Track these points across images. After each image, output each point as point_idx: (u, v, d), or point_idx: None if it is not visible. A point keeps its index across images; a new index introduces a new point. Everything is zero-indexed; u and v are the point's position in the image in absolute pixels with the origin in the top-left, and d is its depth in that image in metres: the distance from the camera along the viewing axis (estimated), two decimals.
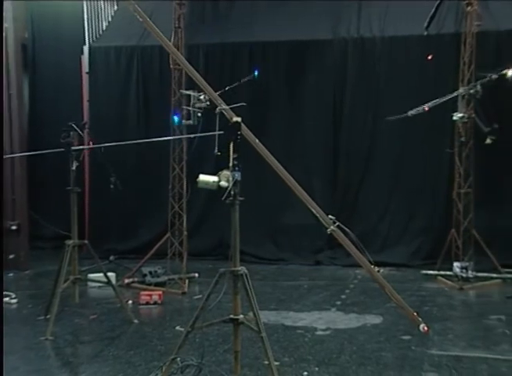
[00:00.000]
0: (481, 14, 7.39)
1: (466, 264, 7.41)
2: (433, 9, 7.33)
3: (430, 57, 7.18)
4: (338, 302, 6.72)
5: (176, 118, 7.12)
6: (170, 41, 6.95)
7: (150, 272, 7.39)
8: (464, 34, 7.46)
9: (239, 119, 3.96)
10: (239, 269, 3.98)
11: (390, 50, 8.44)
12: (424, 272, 7.87)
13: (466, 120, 7.22)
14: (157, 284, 7.28)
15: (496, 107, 7.43)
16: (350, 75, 8.67)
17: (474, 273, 7.39)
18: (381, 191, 8.70)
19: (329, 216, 4.38)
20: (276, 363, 4.23)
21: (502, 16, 7.99)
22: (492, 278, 7.44)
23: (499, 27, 8.01)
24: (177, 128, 7.41)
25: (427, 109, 6.82)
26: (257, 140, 4.19)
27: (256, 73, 5.07)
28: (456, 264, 7.44)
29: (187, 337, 4.10)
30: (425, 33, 7.32)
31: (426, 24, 7.34)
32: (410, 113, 6.96)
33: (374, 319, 6.03)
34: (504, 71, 6.76)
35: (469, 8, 7.31)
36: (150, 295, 6.69)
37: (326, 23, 8.79)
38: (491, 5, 7.99)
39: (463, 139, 7.36)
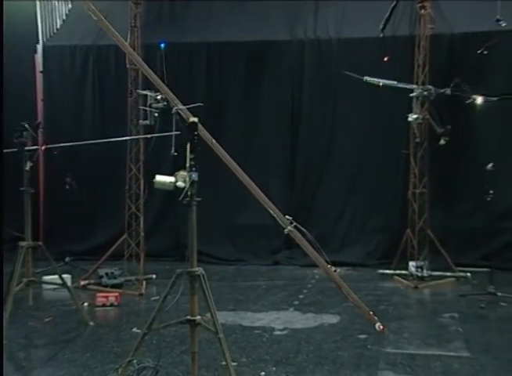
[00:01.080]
0: (434, 17, 7.52)
1: (422, 263, 7.53)
2: (388, 12, 7.42)
3: (386, 59, 7.26)
4: (296, 302, 6.75)
5: (163, 45, 6.84)
6: (126, 40, 6.88)
7: (107, 274, 7.31)
8: (418, 37, 7.58)
9: (195, 119, 3.94)
10: (197, 269, 3.96)
11: (346, 51, 8.52)
12: (381, 271, 7.97)
13: (420, 121, 7.34)
14: (114, 286, 7.19)
15: (449, 109, 7.56)
16: (307, 76, 8.72)
17: (429, 272, 7.52)
18: (339, 191, 8.78)
19: (287, 216, 4.40)
20: (234, 364, 4.22)
21: (455, 19, 8.14)
22: (446, 277, 7.57)
23: (452, 30, 8.17)
24: (134, 128, 7.35)
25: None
26: (213, 140, 4.18)
27: (162, 45, 4.95)
28: (411, 263, 7.56)
29: (144, 338, 4.07)
30: (381, 35, 7.40)
31: (381, 26, 7.42)
32: (366, 78, 7.02)
33: (331, 319, 6.08)
34: (473, 99, 6.90)
35: (422, 11, 7.44)
36: (107, 297, 6.61)
37: (283, 24, 8.82)
38: (444, 8, 8.15)
39: (417, 139, 7.48)
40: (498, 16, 6.97)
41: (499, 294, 6.58)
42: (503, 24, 6.96)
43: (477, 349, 5.12)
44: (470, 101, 6.87)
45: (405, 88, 7.16)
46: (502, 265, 7.78)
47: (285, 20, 8.82)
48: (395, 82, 7.10)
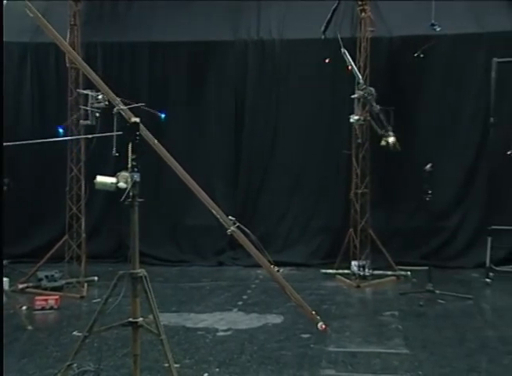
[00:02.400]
0: (374, 21, 7.65)
1: (364, 262, 7.65)
2: (329, 14, 7.51)
3: (327, 60, 7.35)
4: (240, 303, 6.76)
5: (61, 130, 6.83)
6: (65, 39, 6.76)
7: (46, 277, 7.15)
8: (359, 39, 7.70)
9: (137, 119, 3.90)
10: (139, 271, 3.91)
11: (289, 52, 8.57)
12: (324, 271, 8.06)
13: (362, 122, 7.45)
14: (54, 289, 7.05)
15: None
16: (250, 77, 8.73)
17: (371, 271, 7.64)
18: (282, 191, 8.82)
19: (230, 217, 4.39)
20: (176, 366, 4.19)
21: (394, 22, 8.30)
22: (387, 276, 7.71)
23: (391, 33, 8.33)
24: (75, 128, 7.23)
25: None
26: (156, 141, 4.14)
27: (163, 115, 5.01)
28: (353, 263, 7.67)
29: (84, 342, 3.98)
30: (322, 37, 7.48)
31: (323, 28, 7.50)
32: (344, 51, 7.13)
33: (275, 319, 6.12)
34: (386, 139, 7.07)
35: (363, 14, 7.56)
36: (46, 300, 6.47)
37: (226, 24, 8.80)
38: (383, 12, 8.30)
39: (359, 140, 7.59)
40: (433, 21, 7.15)
41: (437, 291, 6.75)
42: (438, 29, 7.15)
43: (416, 346, 5.24)
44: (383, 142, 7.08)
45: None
46: (440, 263, 8.01)
47: (228, 21, 8.80)
48: (360, 76, 7.19)
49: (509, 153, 7.28)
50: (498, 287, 7.25)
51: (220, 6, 8.74)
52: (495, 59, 7.55)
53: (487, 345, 5.26)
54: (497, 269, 7.71)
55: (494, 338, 5.45)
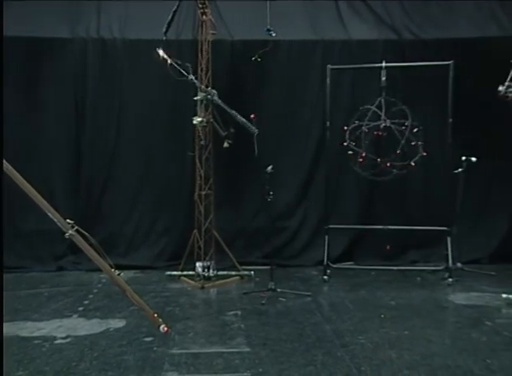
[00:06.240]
0: (215, 24, 7.73)
1: (208, 263, 7.71)
2: (170, 15, 7.48)
3: (169, 62, 7.33)
4: (80, 308, 6.53)
5: None
6: None
7: None
8: (201, 42, 7.74)
9: None
10: None
11: (132, 52, 8.42)
12: (168, 273, 8.01)
13: (205, 124, 7.50)
14: None
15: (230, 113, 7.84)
16: (91, 76, 8.44)
17: (215, 272, 7.72)
18: (126, 194, 8.63)
19: (68, 220, 4.26)
20: None
21: (235, 26, 8.43)
22: (232, 276, 7.83)
23: (232, 37, 8.47)
24: None
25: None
26: None
27: None
28: (198, 264, 7.70)
29: None
30: (164, 38, 7.44)
31: (164, 29, 7.47)
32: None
33: (117, 323, 5.98)
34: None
35: (204, 17, 7.61)
36: None
37: (65, 22, 8.41)
38: (224, 14, 8.42)
39: (202, 142, 7.63)
40: (268, 26, 7.38)
41: (279, 290, 6.97)
42: (273, 34, 7.39)
43: (257, 344, 5.36)
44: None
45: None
46: (282, 262, 8.32)
47: (66, 19, 8.43)
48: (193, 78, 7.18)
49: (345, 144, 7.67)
50: (334, 284, 7.61)
51: (58, 5, 8.37)
52: (330, 66, 7.94)
53: (323, 339, 5.50)
54: (334, 266, 8.11)
55: (330, 331, 5.70)
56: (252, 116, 6.76)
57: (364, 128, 7.81)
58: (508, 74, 6.26)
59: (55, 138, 8.44)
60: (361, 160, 7.80)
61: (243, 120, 6.96)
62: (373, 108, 7.79)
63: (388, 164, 7.73)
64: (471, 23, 8.59)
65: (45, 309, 6.53)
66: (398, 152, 7.68)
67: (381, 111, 7.74)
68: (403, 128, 7.68)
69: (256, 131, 7.00)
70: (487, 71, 7.48)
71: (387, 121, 7.73)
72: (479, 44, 8.31)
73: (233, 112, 7.02)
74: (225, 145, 7.25)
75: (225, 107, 7.08)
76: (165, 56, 6.89)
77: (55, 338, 5.48)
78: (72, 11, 8.46)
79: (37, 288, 7.46)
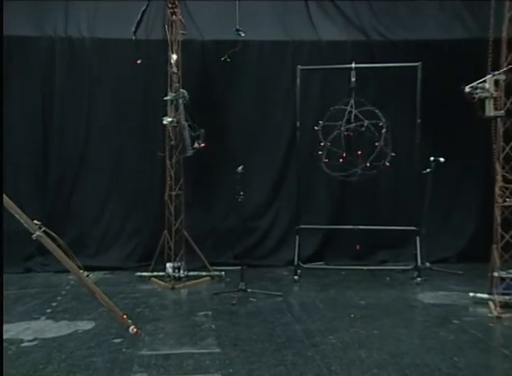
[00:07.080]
0: (185, 24, 7.70)
1: (178, 264, 7.68)
2: (139, 15, 7.43)
3: (139, 62, 7.28)
4: (49, 310, 6.45)
5: None
6: None
7: None
8: (171, 42, 7.70)
9: None
10: None
11: (101, 51, 8.34)
12: (139, 274, 7.95)
13: (175, 124, 7.45)
14: None
15: (203, 112, 7.82)
16: (59, 75, 8.33)
17: (186, 273, 7.69)
18: (96, 194, 8.55)
19: (35, 221, 4.22)
20: None
21: (205, 27, 8.44)
22: (202, 276, 7.80)
23: (203, 37, 8.45)
24: None
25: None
26: None
27: None
28: (168, 264, 7.65)
29: None
30: (133, 37, 7.38)
31: (133, 29, 7.41)
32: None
33: (86, 325, 5.92)
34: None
35: (173, 17, 7.57)
36: None
37: (31, 20, 8.29)
38: (194, 16, 8.40)
39: (172, 142, 7.59)
40: (237, 26, 7.38)
41: (249, 290, 6.97)
42: (242, 34, 7.39)
43: (227, 344, 5.35)
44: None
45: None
46: (253, 262, 8.31)
47: (32, 17, 8.30)
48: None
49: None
50: (305, 284, 7.64)
51: (25, 4, 8.23)
52: (300, 67, 7.97)
53: (294, 339, 5.51)
54: (304, 266, 8.14)
55: (300, 331, 5.72)
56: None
57: (343, 129, 7.81)
58: (475, 75, 6.33)
59: (22, 137, 8.30)
60: (341, 160, 7.78)
61: (187, 136, 7.03)
62: (348, 108, 7.77)
63: (366, 165, 7.71)
64: (438, 24, 8.71)
65: (12, 311, 6.43)
66: (374, 152, 7.69)
67: (351, 112, 7.78)
68: (372, 128, 7.73)
69: (189, 154, 7.13)
70: (454, 73, 7.58)
71: (357, 121, 7.76)
72: (446, 46, 8.43)
73: (184, 124, 7.08)
74: (195, 145, 7.25)
75: (182, 115, 7.12)
76: None
77: (21, 341, 5.40)
78: (39, 9, 8.36)
79: (5, 290, 7.33)
